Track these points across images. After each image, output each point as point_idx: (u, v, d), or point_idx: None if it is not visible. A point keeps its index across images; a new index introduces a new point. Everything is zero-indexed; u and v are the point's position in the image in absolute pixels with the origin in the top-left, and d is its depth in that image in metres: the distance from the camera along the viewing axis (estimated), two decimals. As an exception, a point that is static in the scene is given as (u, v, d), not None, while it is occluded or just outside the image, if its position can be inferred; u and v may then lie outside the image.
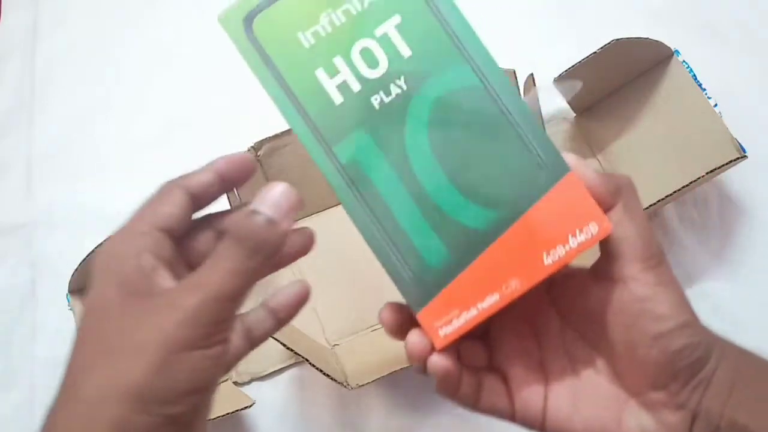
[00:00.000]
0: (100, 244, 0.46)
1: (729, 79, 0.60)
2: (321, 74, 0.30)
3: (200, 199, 0.31)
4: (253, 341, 0.30)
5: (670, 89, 0.55)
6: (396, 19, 0.30)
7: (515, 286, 0.30)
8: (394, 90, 0.30)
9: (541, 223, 0.30)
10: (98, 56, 0.65)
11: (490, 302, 0.30)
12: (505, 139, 0.30)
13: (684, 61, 0.54)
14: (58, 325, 0.53)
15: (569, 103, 0.57)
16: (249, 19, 0.31)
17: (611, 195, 0.30)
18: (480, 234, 0.30)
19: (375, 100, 0.30)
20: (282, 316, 0.31)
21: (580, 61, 0.51)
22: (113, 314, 0.27)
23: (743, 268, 0.55)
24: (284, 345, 0.44)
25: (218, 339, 0.27)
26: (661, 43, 0.53)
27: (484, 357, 0.33)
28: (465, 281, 0.30)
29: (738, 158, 0.50)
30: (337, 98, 0.30)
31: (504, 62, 0.54)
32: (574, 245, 0.30)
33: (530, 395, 0.32)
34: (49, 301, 0.54)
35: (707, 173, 0.50)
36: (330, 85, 0.30)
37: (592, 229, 0.30)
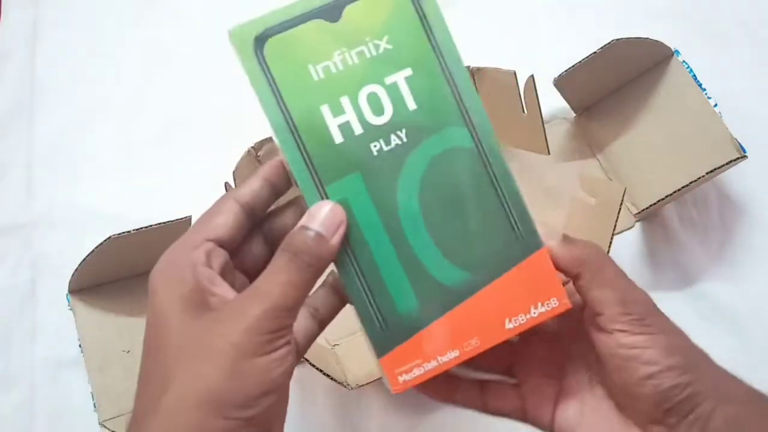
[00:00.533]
0: (101, 243, 0.46)
1: (729, 79, 0.60)
2: (326, 110, 0.30)
3: (253, 208, 0.32)
4: (322, 321, 0.33)
5: (670, 89, 0.55)
6: (407, 71, 0.31)
7: (475, 344, 0.32)
8: (394, 140, 0.31)
9: (508, 291, 0.32)
10: (98, 56, 0.65)
11: (450, 357, 0.31)
12: (489, 207, 0.32)
13: (684, 61, 0.54)
14: (58, 325, 0.53)
15: (569, 103, 0.57)
16: (262, 40, 0.31)
17: (575, 267, 0.32)
18: (452, 292, 0.31)
19: (374, 147, 0.31)
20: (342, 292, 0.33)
21: (580, 61, 0.51)
22: (179, 327, 0.29)
23: (743, 268, 0.55)
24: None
25: (282, 343, 0.29)
26: (661, 43, 0.53)
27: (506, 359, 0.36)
28: (430, 334, 0.31)
29: (738, 158, 0.50)
30: (338, 137, 0.31)
31: (504, 62, 0.54)
32: (535, 315, 0.32)
33: (541, 401, 0.35)
34: (49, 301, 0.54)
35: (707, 173, 0.50)
36: (333, 123, 0.31)
37: (553, 304, 0.32)
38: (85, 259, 0.46)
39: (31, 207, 0.58)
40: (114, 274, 0.51)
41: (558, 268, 0.33)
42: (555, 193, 0.56)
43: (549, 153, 0.51)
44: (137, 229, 0.45)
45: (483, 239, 0.32)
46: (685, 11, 0.64)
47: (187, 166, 0.58)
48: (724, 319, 0.53)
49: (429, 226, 0.31)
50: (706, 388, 0.31)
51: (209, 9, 0.66)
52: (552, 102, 0.56)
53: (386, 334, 0.31)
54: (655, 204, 0.53)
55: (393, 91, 0.31)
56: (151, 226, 0.46)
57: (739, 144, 0.50)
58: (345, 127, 0.30)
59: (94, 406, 0.48)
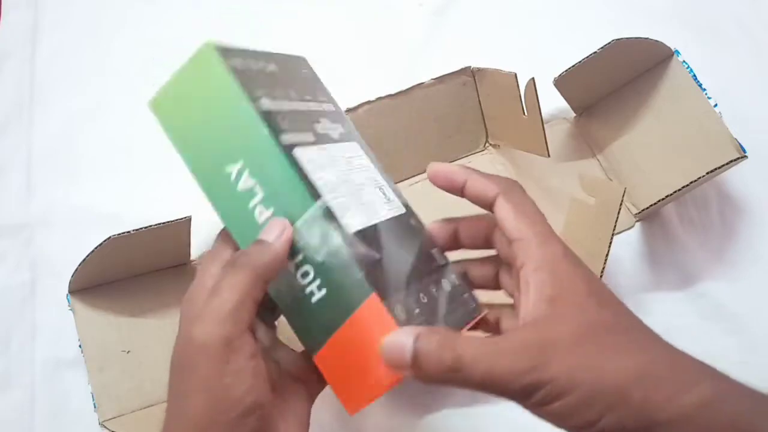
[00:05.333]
0: (101, 243, 0.46)
1: (729, 79, 0.60)
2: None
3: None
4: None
5: (670, 89, 0.55)
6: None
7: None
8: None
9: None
10: (97, 57, 0.65)
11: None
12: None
13: (684, 61, 0.54)
14: (58, 325, 0.53)
15: (569, 103, 0.57)
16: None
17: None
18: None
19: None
20: None
21: (580, 61, 0.51)
22: (176, 365, 0.31)
23: (743, 268, 0.55)
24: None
25: (242, 357, 0.30)
26: (661, 43, 0.53)
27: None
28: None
29: (738, 158, 0.50)
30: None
31: (504, 62, 0.54)
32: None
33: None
34: (49, 301, 0.54)
35: (707, 173, 0.50)
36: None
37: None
38: (85, 259, 0.46)
39: (31, 207, 0.58)
40: (114, 274, 0.51)
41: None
42: (555, 194, 0.56)
43: (549, 155, 0.51)
44: (137, 229, 0.45)
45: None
46: (685, 11, 0.64)
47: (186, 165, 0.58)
48: (724, 319, 0.53)
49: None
50: (629, 423, 0.29)
51: (209, 9, 0.66)
52: (552, 102, 0.56)
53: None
54: (655, 204, 0.53)
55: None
56: (151, 226, 0.46)
57: (739, 144, 0.50)
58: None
59: (94, 406, 0.47)
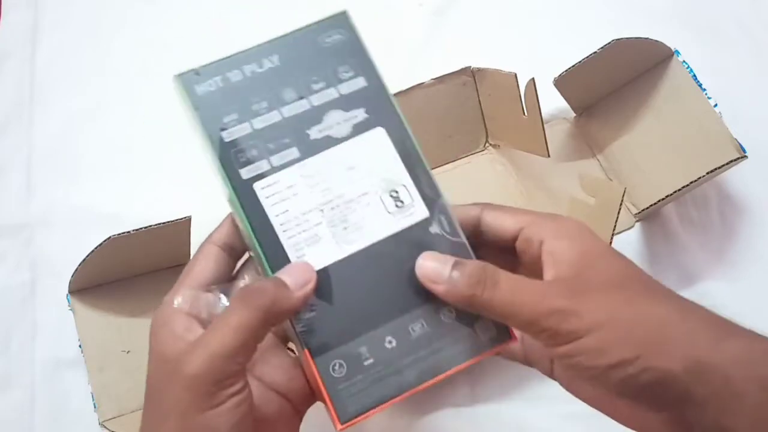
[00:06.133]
0: (101, 243, 0.46)
1: (729, 79, 0.60)
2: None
3: (232, 246, 0.33)
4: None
5: (670, 89, 0.55)
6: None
7: None
8: None
9: None
10: (97, 57, 0.65)
11: None
12: None
13: (684, 61, 0.54)
14: (58, 325, 0.53)
15: (569, 103, 0.57)
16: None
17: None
18: None
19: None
20: None
21: (580, 61, 0.51)
22: (152, 386, 0.30)
23: (743, 268, 0.55)
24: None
25: (228, 394, 0.28)
26: (661, 43, 0.53)
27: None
28: None
29: (738, 158, 0.50)
30: None
31: (504, 62, 0.54)
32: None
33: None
34: (49, 301, 0.54)
35: (707, 173, 0.50)
36: None
37: None
38: (85, 259, 0.46)
39: (31, 207, 0.58)
40: (114, 274, 0.51)
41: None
42: (555, 194, 0.56)
43: (549, 155, 0.51)
44: (137, 229, 0.45)
45: None
46: (685, 11, 0.64)
47: (187, 166, 0.58)
48: (724, 319, 0.53)
49: None
50: (672, 363, 0.27)
51: (209, 9, 0.66)
52: (552, 102, 0.56)
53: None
54: (655, 204, 0.53)
55: None
56: (151, 226, 0.46)
57: (739, 144, 0.50)
58: None
59: (94, 406, 0.48)
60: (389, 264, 0.32)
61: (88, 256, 0.46)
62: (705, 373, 0.27)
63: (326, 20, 0.35)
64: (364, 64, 0.34)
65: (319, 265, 0.31)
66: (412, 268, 0.31)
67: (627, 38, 0.50)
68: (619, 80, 0.57)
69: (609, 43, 0.50)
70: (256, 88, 0.33)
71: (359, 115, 0.34)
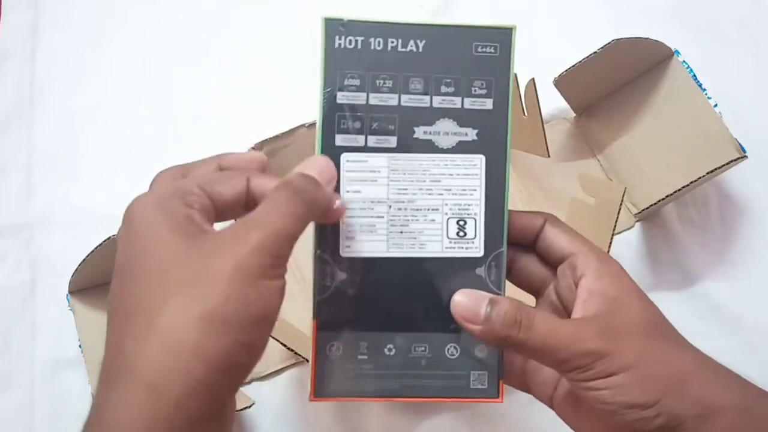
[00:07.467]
0: (101, 243, 0.46)
1: (729, 79, 0.60)
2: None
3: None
4: None
5: (670, 89, 0.55)
6: None
7: None
8: None
9: None
10: (97, 57, 0.65)
11: None
12: None
13: (684, 61, 0.54)
14: (58, 325, 0.53)
15: (569, 103, 0.57)
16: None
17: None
18: None
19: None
20: None
21: (580, 61, 0.51)
22: (173, 251, 0.28)
23: (743, 268, 0.55)
24: (284, 345, 0.44)
25: (281, 272, 0.28)
26: (661, 43, 0.53)
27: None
28: None
29: (738, 158, 0.50)
30: None
31: (504, 62, 0.54)
32: None
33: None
34: (49, 301, 0.54)
35: (707, 173, 0.50)
36: None
37: None
38: (85, 259, 0.46)
39: (31, 207, 0.58)
40: (114, 274, 0.51)
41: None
42: (555, 194, 0.56)
43: (549, 156, 0.51)
44: (137, 229, 0.45)
45: None
46: (685, 11, 0.64)
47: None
48: (724, 319, 0.53)
49: None
50: (686, 409, 0.29)
51: (209, 9, 0.66)
52: (552, 102, 0.56)
53: None
54: (655, 204, 0.53)
55: None
56: (151, 226, 0.45)
57: (739, 144, 0.50)
58: None
59: (94, 406, 0.47)
60: (423, 282, 0.33)
61: (88, 256, 0.46)
62: (712, 416, 0.29)
63: (490, 28, 0.34)
64: (501, 89, 0.34)
65: (362, 254, 0.32)
66: (441, 295, 0.33)
67: (627, 38, 0.50)
68: (619, 80, 0.57)
69: (609, 43, 0.50)
70: (389, 64, 0.32)
71: (470, 134, 0.33)
